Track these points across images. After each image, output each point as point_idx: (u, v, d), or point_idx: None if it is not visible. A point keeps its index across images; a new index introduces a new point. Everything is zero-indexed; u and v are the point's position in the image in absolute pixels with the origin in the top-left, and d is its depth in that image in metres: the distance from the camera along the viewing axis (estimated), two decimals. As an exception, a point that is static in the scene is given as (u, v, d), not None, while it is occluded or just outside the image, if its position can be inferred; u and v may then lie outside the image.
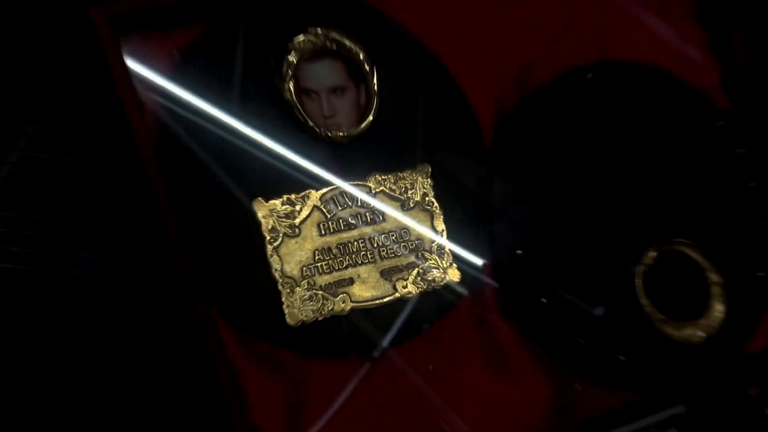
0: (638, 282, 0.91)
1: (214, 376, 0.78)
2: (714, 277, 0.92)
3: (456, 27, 0.91)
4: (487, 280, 0.87)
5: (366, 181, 0.82)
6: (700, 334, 0.91)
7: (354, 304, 0.81)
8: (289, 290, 0.79)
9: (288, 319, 0.79)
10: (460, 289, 0.86)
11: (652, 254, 0.91)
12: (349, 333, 0.82)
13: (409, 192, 0.84)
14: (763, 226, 0.96)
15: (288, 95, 0.80)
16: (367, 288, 0.83)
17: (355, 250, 0.82)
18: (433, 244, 0.84)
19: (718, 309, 0.92)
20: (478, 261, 0.86)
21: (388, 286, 0.83)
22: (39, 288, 0.88)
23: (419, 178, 0.84)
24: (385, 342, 0.82)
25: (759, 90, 0.98)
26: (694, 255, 0.93)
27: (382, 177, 0.83)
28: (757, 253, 0.96)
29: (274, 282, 0.79)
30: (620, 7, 0.97)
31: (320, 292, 0.80)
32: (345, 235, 0.81)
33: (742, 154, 0.95)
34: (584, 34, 0.95)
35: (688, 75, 0.97)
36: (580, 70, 0.94)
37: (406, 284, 0.83)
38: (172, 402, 0.89)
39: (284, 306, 0.78)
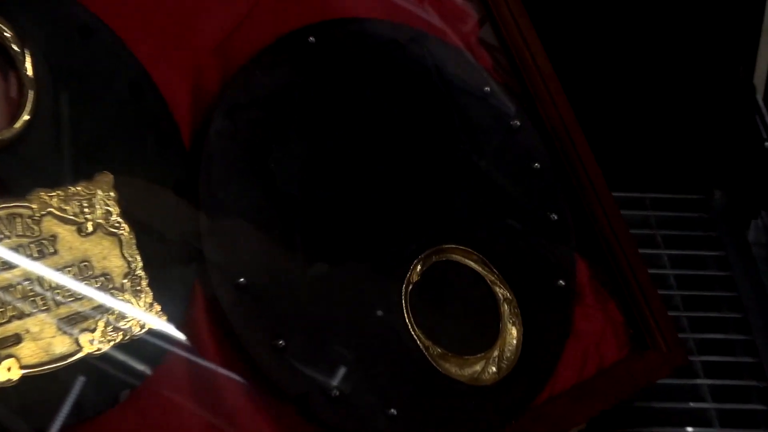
0: (405, 307, 0.77)
1: None
2: (503, 292, 0.80)
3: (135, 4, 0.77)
4: (202, 320, 0.73)
5: (26, 201, 0.69)
6: (492, 369, 0.79)
7: (25, 371, 0.66)
8: None
9: None
10: (167, 335, 0.71)
11: (418, 268, 0.78)
12: (20, 412, 0.66)
13: (87, 212, 0.71)
14: (557, 219, 0.84)
15: None
16: (40, 347, 0.68)
17: (19, 296, 0.68)
18: (126, 279, 0.71)
19: (512, 334, 0.80)
20: (187, 296, 0.73)
21: (69, 342, 0.69)
22: None
23: (98, 191, 0.71)
24: (71, 420, 0.67)
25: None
26: (471, 264, 0.80)
27: (49, 194, 0.70)
28: (554, 257, 0.84)
29: None
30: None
31: (-30, 359, 0.66)
32: (3, 277, 0.68)
33: (517, 127, 0.82)
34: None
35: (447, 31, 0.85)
36: (297, 34, 0.79)
37: (94, 337, 0.69)
38: None
39: None
